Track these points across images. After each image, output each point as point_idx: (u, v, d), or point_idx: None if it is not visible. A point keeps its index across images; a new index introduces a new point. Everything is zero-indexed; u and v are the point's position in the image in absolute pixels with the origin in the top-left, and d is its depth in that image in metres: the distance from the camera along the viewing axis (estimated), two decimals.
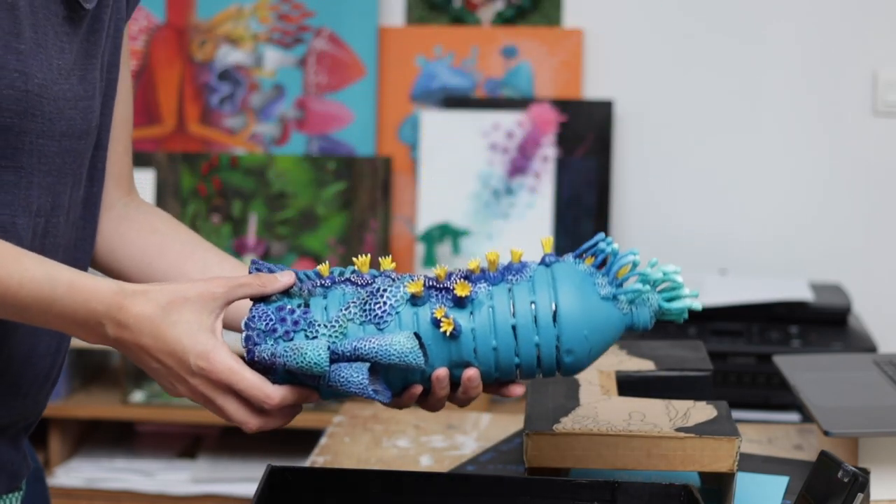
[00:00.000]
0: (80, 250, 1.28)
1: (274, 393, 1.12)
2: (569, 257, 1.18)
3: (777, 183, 2.94)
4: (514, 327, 1.14)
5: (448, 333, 1.14)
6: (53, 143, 1.18)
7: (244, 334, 1.14)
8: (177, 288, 1.14)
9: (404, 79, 2.99)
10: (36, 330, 1.23)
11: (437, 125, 2.93)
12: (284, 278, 1.17)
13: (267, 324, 1.14)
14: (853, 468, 1.23)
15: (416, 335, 1.12)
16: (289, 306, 1.15)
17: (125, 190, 1.37)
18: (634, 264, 1.16)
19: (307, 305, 1.16)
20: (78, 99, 1.20)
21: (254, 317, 1.15)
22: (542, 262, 1.18)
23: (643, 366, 1.51)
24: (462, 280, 1.17)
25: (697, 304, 1.16)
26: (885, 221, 2.92)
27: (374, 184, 2.95)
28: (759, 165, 2.94)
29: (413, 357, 1.11)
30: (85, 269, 1.30)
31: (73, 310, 1.11)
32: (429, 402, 1.18)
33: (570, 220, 2.92)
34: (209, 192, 2.97)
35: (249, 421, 1.13)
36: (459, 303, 1.15)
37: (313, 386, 1.13)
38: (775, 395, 2.46)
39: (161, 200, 2.94)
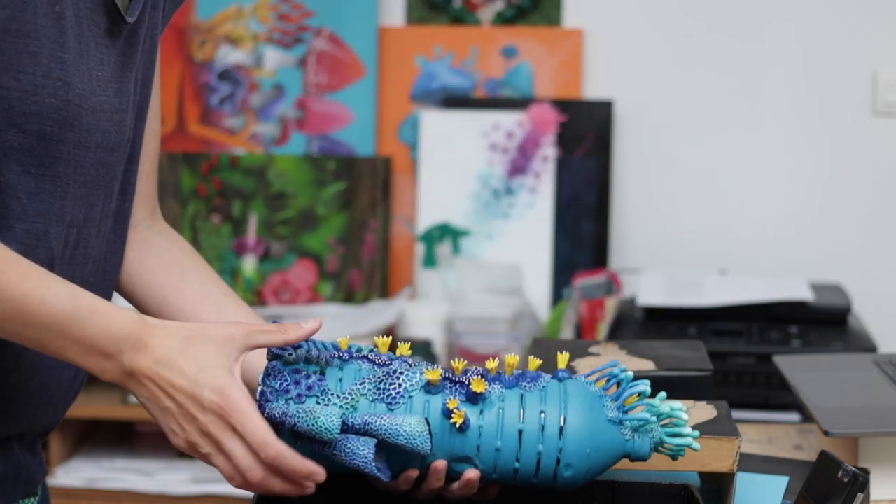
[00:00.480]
0: (109, 263, 1.28)
1: (275, 443, 1.11)
2: (581, 377, 1.21)
3: (777, 183, 2.94)
4: (520, 432, 1.17)
5: (457, 426, 1.16)
6: (89, 155, 1.18)
7: (259, 389, 1.16)
8: (199, 326, 1.15)
9: (404, 79, 2.99)
10: None
11: (437, 125, 2.93)
12: (309, 325, 1.17)
13: (281, 383, 1.17)
14: (853, 468, 1.23)
15: (427, 421, 1.14)
16: (305, 371, 1.18)
17: (149, 211, 1.37)
18: (643, 394, 1.19)
19: (323, 373, 1.18)
20: (113, 111, 1.20)
21: (269, 374, 1.17)
22: (556, 377, 1.21)
23: (643, 366, 1.51)
24: (478, 377, 1.19)
25: (697, 445, 1.19)
26: (885, 221, 2.92)
27: (374, 184, 2.95)
28: (759, 165, 2.94)
29: (421, 441, 1.13)
30: (114, 283, 1.30)
31: (92, 333, 1.10)
32: (421, 489, 1.19)
33: (570, 220, 2.92)
34: (209, 192, 2.97)
35: (253, 469, 1.12)
36: (472, 398, 1.17)
37: (311, 452, 1.15)
38: (775, 395, 2.46)
39: (161, 200, 2.93)
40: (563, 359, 1.23)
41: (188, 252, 1.38)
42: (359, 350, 1.22)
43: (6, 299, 1.07)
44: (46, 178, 1.15)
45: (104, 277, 1.26)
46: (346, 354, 1.20)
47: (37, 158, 1.13)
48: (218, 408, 1.11)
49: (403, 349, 1.23)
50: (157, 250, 1.36)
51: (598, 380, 1.21)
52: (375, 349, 1.22)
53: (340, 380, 1.18)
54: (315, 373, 1.18)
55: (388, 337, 1.23)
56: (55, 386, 1.24)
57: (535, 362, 1.22)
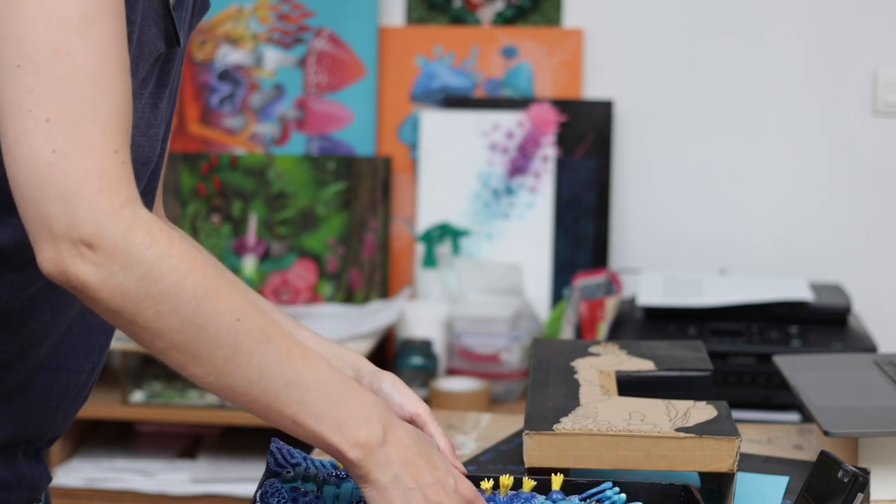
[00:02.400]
0: None
1: None
2: (575, 499, 1.22)
3: (777, 183, 2.94)
4: None
5: None
6: None
7: None
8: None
9: (404, 79, 2.99)
10: (71, 344, 1.22)
11: (437, 125, 2.93)
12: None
13: (279, 500, 1.18)
14: (853, 468, 1.23)
15: None
16: (303, 488, 1.19)
17: (156, 207, 1.37)
18: None
19: (320, 491, 1.19)
20: (148, 126, 1.19)
21: (267, 491, 1.19)
22: (550, 498, 1.21)
23: (643, 366, 1.51)
24: None
25: None
26: (886, 221, 2.92)
27: (374, 184, 2.95)
28: (759, 165, 2.94)
29: None
30: None
31: (352, 399, 1.12)
32: None
33: (570, 220, 2.92)
34: (209, 192, 2.97)
35: None
36: None
37: None
38: (775, 395, 2.46)
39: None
40: (557, 480, 1.23)
41: (190, 243, 1.38)
42: None
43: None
44: None
45: None
46: (343, 473, 1.22)
47: None
48: (469, 497, 1.15)
49: None
50: None
51: (591, 501, 1.21)
52: None
53: (337, 497, 1.19)
54: (312, 491, 1.19)
55: None
56: (63, 390, 1.23)
57: (529, 483, 1.22)
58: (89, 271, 1.01)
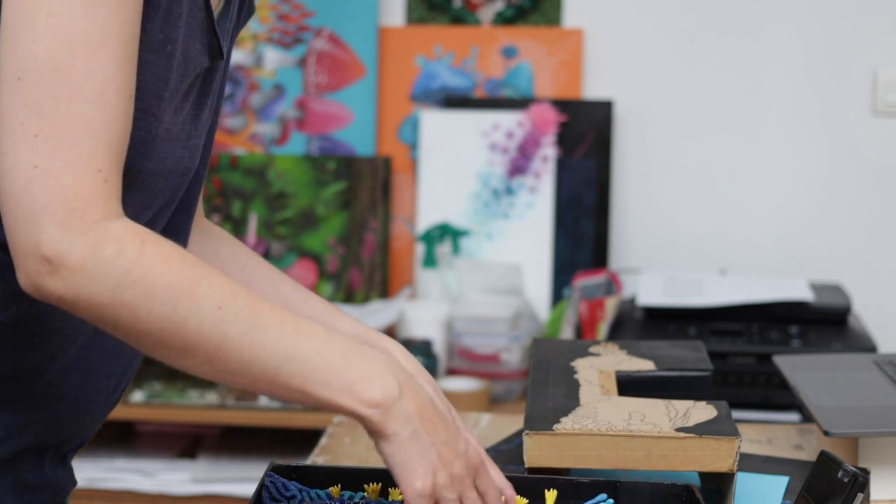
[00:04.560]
0: None
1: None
2: None
3: (777, 183, 2.94)
4: None
5: None
6: (161, 180, 1.18)
7: None
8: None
9: (404, 79, 2.99)
10: (101, 347, 1.22)
11: (437, 125, 2.93)
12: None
13: None
14: (853, 468, 1.23)
15: None
16: None
17: (198, 214, 1.38)
18: None
19: None
20: (189, 138, 1.20)
21: None
22: None
23: (643, 366, 1.52)
24: None
25: None
26: (886, 221, 2.92)
27: (374, 184, 2.95)
28: (759, 165, 2.94)
29: None
30: None
31: (366, 354, 1.13)
32: None
33: (570, 220, 2.92)
34: (209, 192, 2.97)
35: None
36: None
37: None
38: (775, 395, 2.46)
39: None
40: (550, 496, 1.23)
41: (228, 242, 1.39)
42: (350, 498, 1.22)
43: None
44: None
45: None
46: (337, 503, 1.21)
47: None
48: (477, 464, 1.15)
49: (395, 494, 1.23)
50: (196, 247, 1.35)
51: None
52: (366, 497, 1.22)
53: None
54: None
55: (377, 484, 1.23)
56: (93, 394, 1.23)
57: (521, 501, 1.22)
58: (60, 286, 1.03)
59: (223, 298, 1.07)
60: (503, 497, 1.20)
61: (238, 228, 2.97)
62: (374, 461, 1.58)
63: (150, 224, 1.22)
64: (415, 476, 1.11)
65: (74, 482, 1.29)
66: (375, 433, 1.11)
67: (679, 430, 1.30)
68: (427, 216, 2.92)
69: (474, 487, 1.15)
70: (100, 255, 1.03)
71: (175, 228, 1.28)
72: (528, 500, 1.22)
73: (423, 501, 1.11)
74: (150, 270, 1.04)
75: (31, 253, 1.03)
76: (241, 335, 1.07)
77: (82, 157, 1.03)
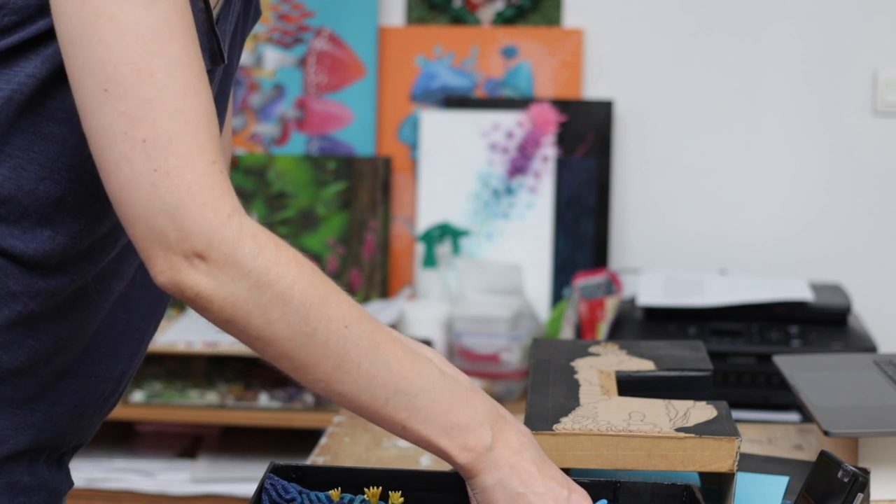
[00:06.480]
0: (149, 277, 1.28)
1: None
2: None
3: (777, 183, 2.94)
4: None
5: None
6: None
7: None
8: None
9: (404, 79, 2.99)
10: (97, 351, 1.23)
11: (437, 125, 2.93)
12: None
13: None
14: (853, 468, 1.23)
15: None
16: None
17: None
18: None
19: None
20: None
21: None
22: None
23: (643, 366, 1.51)
24: None
25: None
26: (886, 221, 2.92)
27: (374, 184, 2.95)
28: (759, 165, 2.94)
29: None
30: (165, 298, 1.29)
31: (461, 405, 1.13)
32: None
33: (571, 220, 2.92)
34: None
35: None
36: None
37: None
38: (775, 395, 2.46)
39: None
40: None
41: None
42: (351, 501, 1.22)
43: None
44: (107, 201, 1.14)
45: (147, 292, 1.26)
46: None
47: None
48: None
49: (395, 497, 1.23)
50: None
51: None
52: (366, 500, 1.23)
53: None
54: None
55: (377, 488, 1.23)
56: (90, 397, 1.23)
57: None
58: (203, 282, 1.03)
59: (351, 318, 1.07)
60: None
61: None
62: (374, 461, 1.58)
63: None
64: None
65: (71, 484, 1.29)
66: (468, 479, 1.14)
67: (679, 430, 1.30)
68: (427, 216, 2.92)
69: None
70: (240, 251, 1.03)
71: None
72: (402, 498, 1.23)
73: None
74: (287, 273, 1.04)
75: (175, 247, 1.02)
76: (361, 358, 1.07)
77: (194, 151, 1.03)
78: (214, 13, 1.19)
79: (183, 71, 1.04)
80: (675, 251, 2.95)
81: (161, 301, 1.30)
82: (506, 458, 1.14)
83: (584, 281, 2.72)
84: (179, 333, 2.71)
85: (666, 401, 1.39)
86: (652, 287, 2.63)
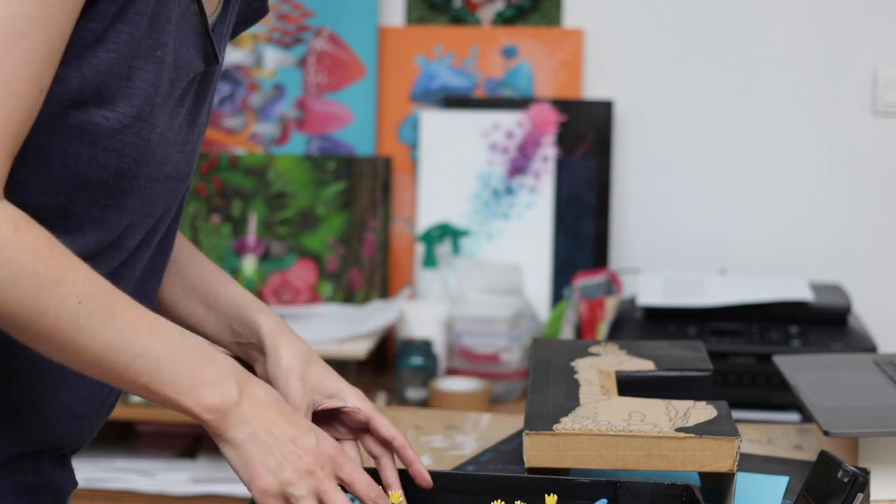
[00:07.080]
0: (149, 281, 1.29)
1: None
2: None
3: (777, 183, 2.94)
4: None
5: None
6: (158, 186, 1.19)
7: None
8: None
9: (404, 79, 2.99)
10: None
11: (437, 125, 2.93)
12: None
13: None
14: (853, 468, 1.23)
15: None
16: None
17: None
18: None
19: None
20: (185, 143, 1.21)
21: None
22: None
23: (643, 366, 1.52)
24: None
25: None
26: (886, 221, 2.92)
27: (374, 184, 2.95)
28: (759, 165, 2.94)
29: None
30: (152, 301, 1.31)
31: (204, 361, 1.14)
32: None
33: (571, 220, 2.92)
34: (209, 192, 2.97)
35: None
36: None
37: None
38: (775, 395, 2.46)
39: None
40: (550, 501, 1.23)
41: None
42: (351, 500, 1.22)
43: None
44: (113, 209, 1.15)
45: (143, 294, 1.26)
46: None
47: (108, 191, 1.14)
48: (333, 455, 1.16)
49: (395, 497, 1.24)
50: None
51: None
52: None
53: None
54: None
55: (398, 493, 1.24)
56: (85, 397, 1.24)
57: (395, 496, 1.23)
58: None
59: (85, 293, 1.08)
60: (395, 443, 1.27)
61: (238, 228, 2.97)
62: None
63: (152, 231, 1.22)
64: (256, 476, 1.14)
65: (75, 483, 1.29)
66: (216, 437, 1.15)
67: (679, 430, 1.30)
68: (427, 216, 2.92)
69: (335, 479, 1.16)
70: None
71: (170, 233, 1.28)
72: (402, 498, 1.23)
73: (270, 500, 1.14)
74: (21, 256, 1.05)
75: None
76: (96, 331, 1.08)
77: None
78: (213, 17, 1.19)
79: (15, 69, 1.04)
80: (675, 251, 2.95)
81: (151, 301, 1.30)
82: (254, 411, 1.14)
83: (584, 281, 2.72)
84: None
85: (666, 401, 1.39)
86: (652, 287, 2.63)
